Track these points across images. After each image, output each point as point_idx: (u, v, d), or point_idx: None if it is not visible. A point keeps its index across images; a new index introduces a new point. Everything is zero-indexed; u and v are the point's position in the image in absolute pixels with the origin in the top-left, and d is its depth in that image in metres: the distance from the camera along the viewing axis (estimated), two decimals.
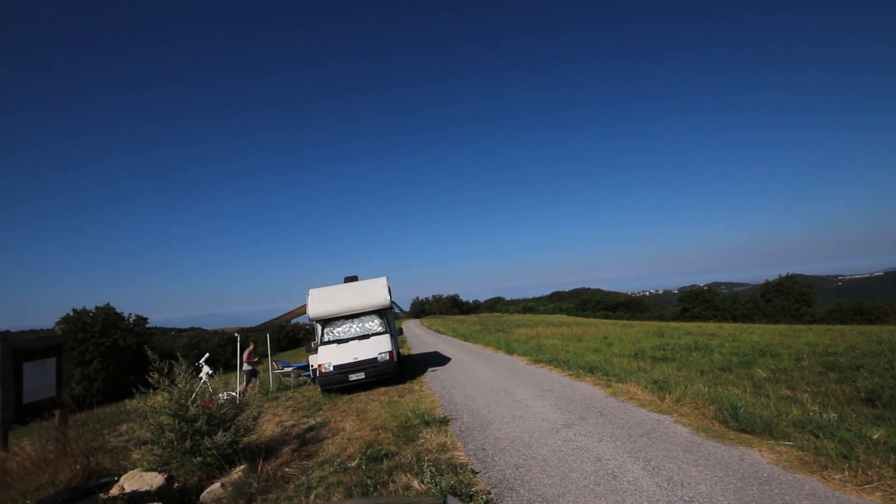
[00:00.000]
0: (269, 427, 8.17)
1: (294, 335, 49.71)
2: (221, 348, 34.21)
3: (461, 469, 4.79)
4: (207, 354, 11.93)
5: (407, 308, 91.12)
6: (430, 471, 4.42)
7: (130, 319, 37.99)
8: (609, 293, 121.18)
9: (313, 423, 8.05)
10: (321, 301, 11.49)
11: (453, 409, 7.75)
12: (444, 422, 6.84)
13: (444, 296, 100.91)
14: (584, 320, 41.06)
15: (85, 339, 33.41)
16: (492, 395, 8.52)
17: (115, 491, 4.32)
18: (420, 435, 6.20)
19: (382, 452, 5.49)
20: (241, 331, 13.79)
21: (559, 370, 10.44)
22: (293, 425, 8.15)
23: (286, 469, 5.49)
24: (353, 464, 5.24)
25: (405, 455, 5.35)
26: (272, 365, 15.13)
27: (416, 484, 4.40)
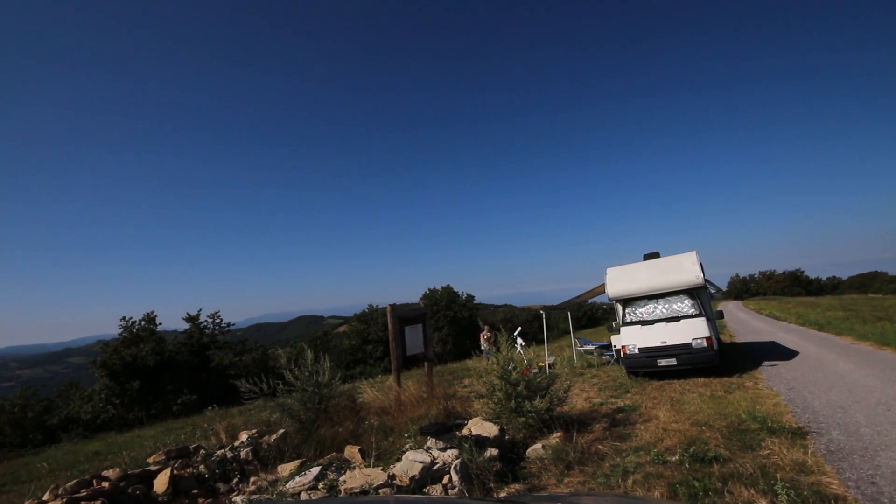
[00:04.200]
0: (578, 401, 8.50)
1: (592, 314, 50.39)
2: (529, 323, 38.44)
3: (837, 503, 3.56)
4: (520, 328, 13.58)
5: (724, 287, 76.98)
6: (788, 494, 3.47)
7: (463, 297, 47.91)
8: None
9: (622, 404, 7.85)
10: (621, 280, 11.05)
11: (812, 420, 5.92)
12: (799, 434, 5.30)
13: (779, 272, 79.88)
14: None
15: (437, 312, 44.27)
16: (880, 411, 6.02)
17: (465, 431, 5.46)
18: (762, 444, 5.02)
19: (710, 454, 4.74)
20: (545, 308, 14.96)
21: None
22: (601, 403, 8.19)
23: (599, 446, 5.54)
24: (674, 458, 4.75)
25: (743, 464, 4.44)
26: (574, 342, 15.74)
27: None
